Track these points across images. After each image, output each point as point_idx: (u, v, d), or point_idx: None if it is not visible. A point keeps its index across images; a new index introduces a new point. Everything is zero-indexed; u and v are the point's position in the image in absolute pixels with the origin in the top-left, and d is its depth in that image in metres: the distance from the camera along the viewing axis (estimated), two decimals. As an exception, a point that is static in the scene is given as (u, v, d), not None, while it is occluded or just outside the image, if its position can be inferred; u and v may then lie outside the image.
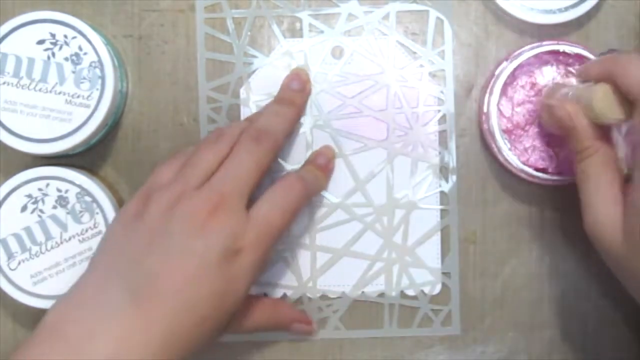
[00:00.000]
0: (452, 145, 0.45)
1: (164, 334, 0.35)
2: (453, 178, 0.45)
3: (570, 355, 0.46)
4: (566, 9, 0.44)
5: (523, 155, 0.44)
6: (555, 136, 0.44)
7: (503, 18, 0.45)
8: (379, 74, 0.45)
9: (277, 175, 0.45)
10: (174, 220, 0.36)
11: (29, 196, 0.43)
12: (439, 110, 0.45)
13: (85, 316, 0.35)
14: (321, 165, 0.45)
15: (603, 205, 0.36)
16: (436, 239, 0.45)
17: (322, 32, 0.46)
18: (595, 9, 0.44)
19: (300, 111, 0.45)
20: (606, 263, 0.38)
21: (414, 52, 0.46)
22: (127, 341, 0.34)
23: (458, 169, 0.46)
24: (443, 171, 0.45)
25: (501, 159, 0.44)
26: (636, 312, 0.45)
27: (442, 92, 0.45)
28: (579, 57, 0.43)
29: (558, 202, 0.46)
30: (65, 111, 0.42)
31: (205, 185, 0.38)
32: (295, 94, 0.44)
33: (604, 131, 0.38)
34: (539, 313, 0.46)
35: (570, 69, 0.44)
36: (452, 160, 0.45)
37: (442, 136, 0.45)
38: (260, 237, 0.37)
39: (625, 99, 0.35)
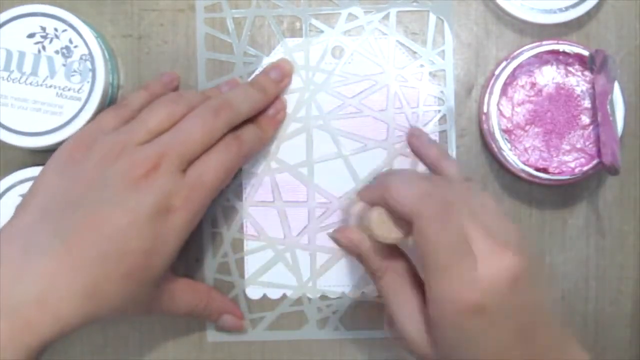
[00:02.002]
0: (452, 145, 0.45)
1: (90, 280, 0.35)
2: (453, 178, 0.45)
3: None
4: (566, 8, 0.44)
5: (523, 155, 0.44)
6: (556, 136, 0.44)
7: (503, 18, 0.45)
8: (379, 74, 0.45)
9: (276, 175, 0.45)
10: (111, 172, 0.37)
11: (25, 196, 0.43)
12: (439, 110, 0.45)
13: (15, 255, 0.35)
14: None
15: (408, 322, 0.36)
16: (436, 239, 0.45)
17: (322, 32, 0.46)
18: (595, 9, 0.44)
19: (269, 100, 0.44)
20: None
21: (414, 52, 0.46)
22: (54, 282, 0.35)
23: (458, 169, 0.45)
24: (443, 171, 0.45)
25: (501, 159, 0.44)
26: (636, 312, 0.45)
27: (442, 92, 0.45)
28: (579, 57, 0.43)
29: (558, 202, 0.46)
30: (56, 104, 0.42)
31: (151, 143, 0.38)
32: (270, 83, 0.44)
33: (393, 249, 0.38)
34: (539, 313, 0.46)
35: (570, 68, 0.44)
36: (452, 160, 0.45)
37: (442, 136, 0.45)
38: (192, 198, 0.38)
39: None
